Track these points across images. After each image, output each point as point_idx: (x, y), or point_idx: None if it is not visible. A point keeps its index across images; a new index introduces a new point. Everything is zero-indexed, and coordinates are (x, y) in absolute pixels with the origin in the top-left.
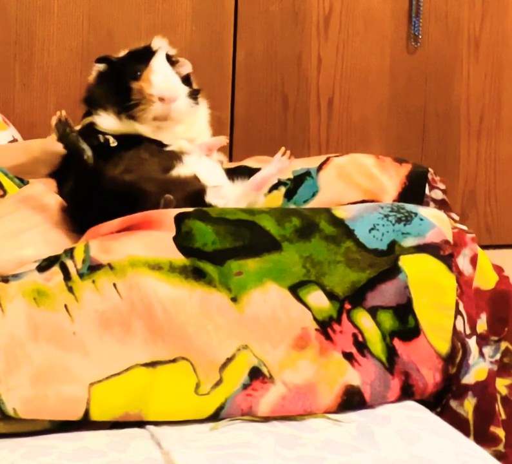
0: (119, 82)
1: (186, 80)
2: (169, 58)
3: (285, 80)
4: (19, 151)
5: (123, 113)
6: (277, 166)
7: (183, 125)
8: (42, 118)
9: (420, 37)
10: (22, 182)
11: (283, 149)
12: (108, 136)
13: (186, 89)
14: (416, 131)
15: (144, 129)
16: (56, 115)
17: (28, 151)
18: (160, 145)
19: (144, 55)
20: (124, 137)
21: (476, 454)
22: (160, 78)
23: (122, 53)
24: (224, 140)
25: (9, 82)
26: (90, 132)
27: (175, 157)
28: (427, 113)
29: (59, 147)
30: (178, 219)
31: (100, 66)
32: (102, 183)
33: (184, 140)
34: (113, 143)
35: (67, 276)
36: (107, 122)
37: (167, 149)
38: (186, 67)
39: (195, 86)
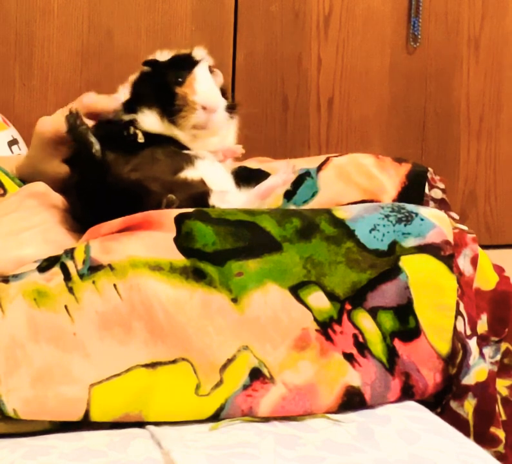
0: (162, 85)
1: (221, 92)
2: (209, 69)
3: (285, 80)
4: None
5: (165, 116)
6: (283, 177)
7: (217, 137)
8: None
9: (420, 37)
10: (23, 182)
11: (290, 160)
12: (137, 131)
13: (224, 102)
14: (416, 131)
15: (181, 135)
16: (60, 109)
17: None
18: (181, 147)
19: (186, 63)
20: (153, 136)
21: (476, 454)
22: (204, 88)
23: (164, 57)
24: (240, 149)
25: (9, 82)
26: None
27: (188, 160)
28: (427, 113)
29: (48, 128)
30: (179, 219)
31: (145, 68)
32: (107, 179)
33: (207, 152)
34: (140, 139)
35: (67, 277)
36: (150, 121)
37: (185, 152)
38: (219, 78)
39: (230, 101)
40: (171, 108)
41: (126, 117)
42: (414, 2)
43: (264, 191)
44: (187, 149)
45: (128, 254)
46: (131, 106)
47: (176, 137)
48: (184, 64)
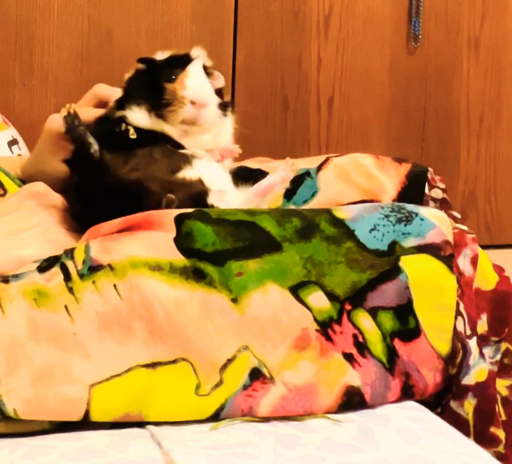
0: (154, 82)
1: (218, 92)
2: (205, 68)
3: (285, 80)
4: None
5: (153, 111)
6: (281, 176)
7: (209, 134)
8: (42, 118)
9: (420, 37)
10: (24, 183)
11: (288, 159)
12: (129, 127)
13: (216, 99)
14: (416, 131)
15: (171, 130)
16: (65, 107)
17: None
18: (177, 147)
19: (182, 62)
20: (146, 133)
21: (476, 454)
22: (194, 83)
23: (162, 56)
24: (237, 149)
25: (9, 82)
26: (108, 122)
27: (185, 160)
28: (427, 113)
29: (58, 126)
30: (179, 220)
31: (140, 65)
32: (106, 179)
33: (202, 150)
34: (132, 135)
35: (67, 277)
36: (138, 117)
37: (182, 151)
38: (220, 80)
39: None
40: (159, 103)
41: (117, 114)
42: (414, 2)
43: (263, 189)
44: (183, 147)
45: (128, 254)
46: (122, 103)
47: (166, 133)
48: (179, 63)
